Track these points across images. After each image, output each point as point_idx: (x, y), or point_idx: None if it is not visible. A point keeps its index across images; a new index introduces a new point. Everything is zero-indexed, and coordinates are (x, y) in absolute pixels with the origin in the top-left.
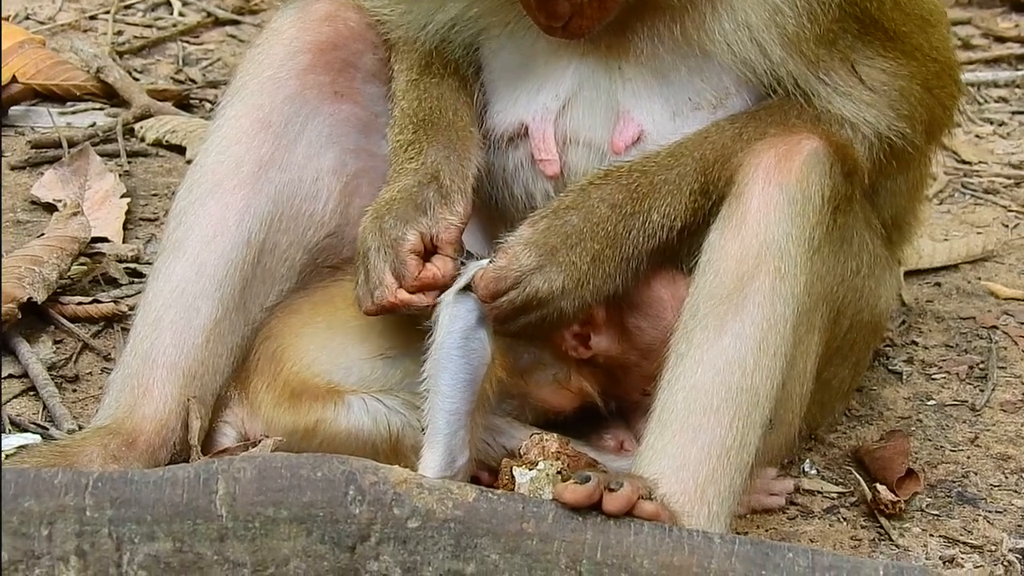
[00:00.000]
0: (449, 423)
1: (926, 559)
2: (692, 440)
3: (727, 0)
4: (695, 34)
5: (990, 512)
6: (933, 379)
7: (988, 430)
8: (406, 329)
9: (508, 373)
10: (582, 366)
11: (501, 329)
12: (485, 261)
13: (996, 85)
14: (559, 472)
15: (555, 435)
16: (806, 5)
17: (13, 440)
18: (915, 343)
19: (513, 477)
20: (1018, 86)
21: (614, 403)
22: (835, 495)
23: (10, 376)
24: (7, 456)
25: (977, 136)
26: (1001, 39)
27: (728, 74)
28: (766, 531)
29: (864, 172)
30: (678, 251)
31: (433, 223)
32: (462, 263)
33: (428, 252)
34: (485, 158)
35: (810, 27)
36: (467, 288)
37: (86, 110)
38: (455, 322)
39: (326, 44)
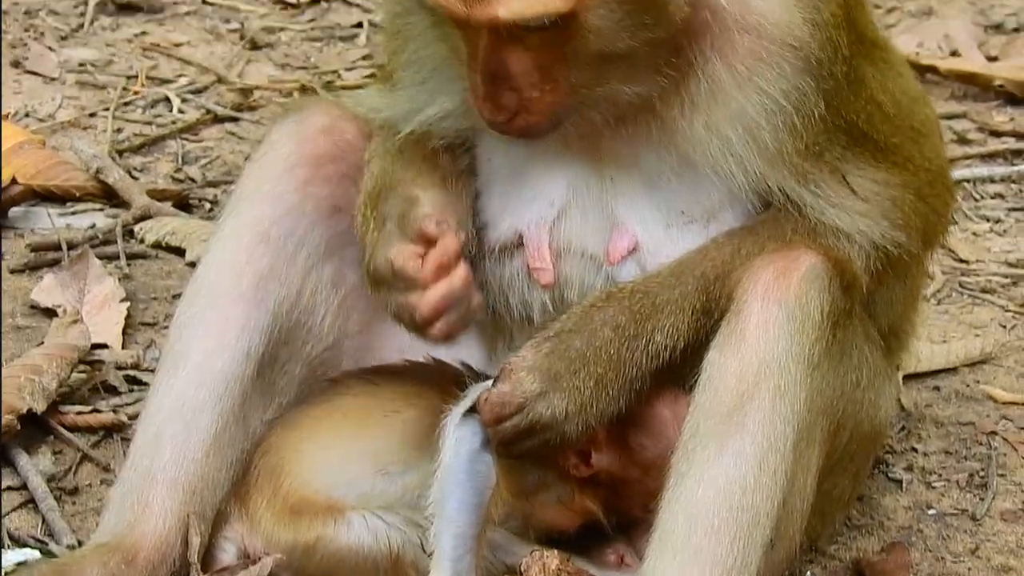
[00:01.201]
0: (455, 547)
1: None
2: (693, 561)
3: (704, 112)
4: (677, 145)
5: None
6: (933, 487)
7: (989, 540)
8: (406, 445)
9: (513, 495)
10: (584, 484)
11: (505, 452)
12: (488, 383)
13: (992, 181)
14: None
15: (556, 552)
16: (786, 120)
17: (12, 556)
18: (915, 449)
19: None
20: (1014, 181)
21: (616, 518)
22: None
23: (9, 488)
24: (7, 574)
25: (974, 234)
26: (997, 133)
27: (716, 188)
28: None
29: (862, 285)
30: (680, 368)
31: (406, 232)
32: (466, 383)
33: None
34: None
35: (792, 141)
36: (472, 410)
37: (86, 211)
38: (460, 445)
39: (324, 157)
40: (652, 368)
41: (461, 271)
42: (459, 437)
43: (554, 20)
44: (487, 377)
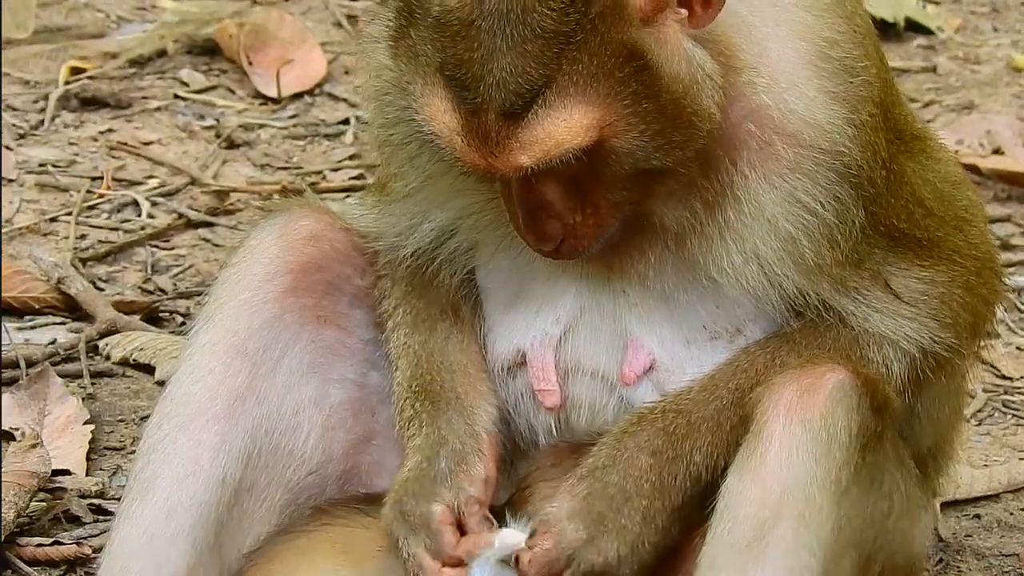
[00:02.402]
0: None
1: None
2: None
3: (735, 229)
4: (701, 261)
5: None
6: None
7: None
8: None
9: None
10: None
11: None
12: (520, 535)
13: None
14: None
15: None
16: (825, 231)
17: None
18: None
19: None
20: None
21: None
22: None
23: None
24: None
25: (1018, 348)
26: None
27: (744, 302)
28: None
29: (894, 405)
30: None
31: (454, 494)
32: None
33: (458, 522)
34: (495, 393)
35: (831, 253)
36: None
37: (46, 325)
38: None
39: (309, 265)
40: (696, 491)
41: None
42: None
43: (578, 153)
44: (500, 515)
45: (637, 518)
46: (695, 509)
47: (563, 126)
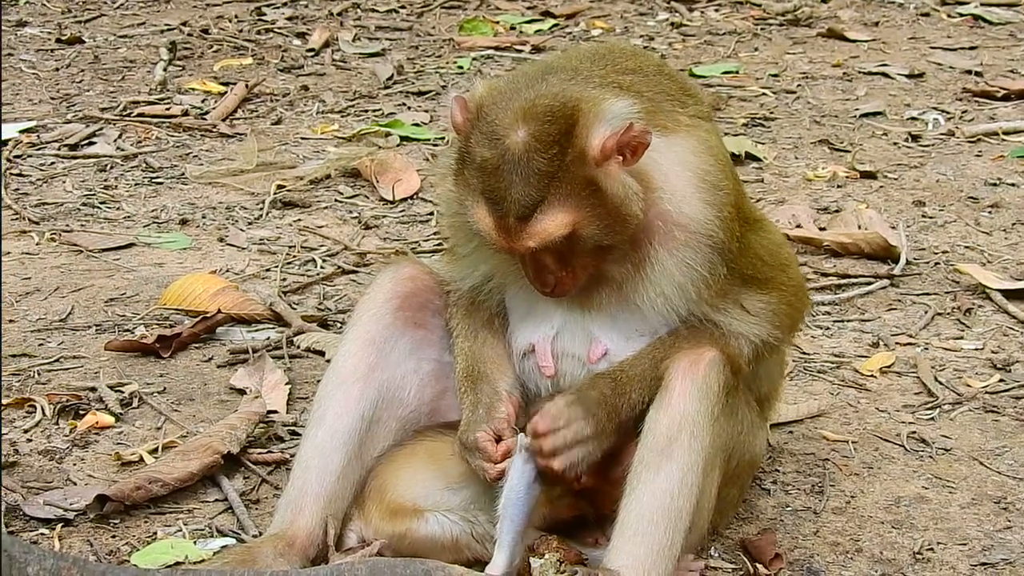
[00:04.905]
0: (513, 538)
1: None
2: (641, 541)
3: (651, 279)
4: (632, 296)
5: None
6: (789, 493)
7: (825, 526)
8: (464, 473)
9: (546, 505)
10: (579, 494)
11: (548, 467)
12: (529, 438)
13: (823, 304)
14: (558, 559)
15: (555, 536)
16: (703, 277)
17: (218, 542)
18: (778, 470)
19: (529, 563)
20: (836, 304)
21: (593, 514)
22: (730, 570)
23: (216, 500)
24: (215, 553)
25: (812, 336)
26: (826, 275)
27: (657, 318)
28: None
29: (745, 370)
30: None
31: (489, 425)
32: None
33: (497, 438)
34: (514, 373)
35: (707, 290)
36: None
37: (263, 329)
38: (521, 478)
39: (409, 293)
40: (632, 415)
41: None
42: (520, 472)
43: (561, 238)
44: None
45: (593, 428)
46: (631, 430)
47: (552, 224)
